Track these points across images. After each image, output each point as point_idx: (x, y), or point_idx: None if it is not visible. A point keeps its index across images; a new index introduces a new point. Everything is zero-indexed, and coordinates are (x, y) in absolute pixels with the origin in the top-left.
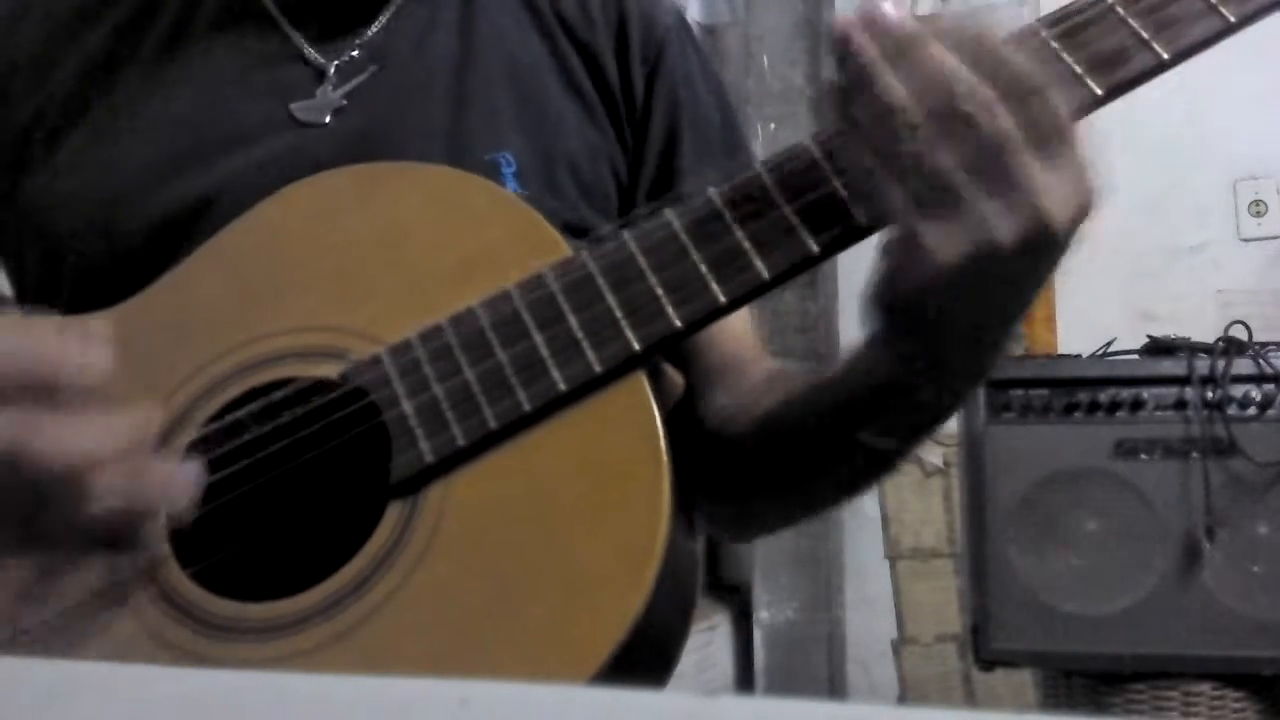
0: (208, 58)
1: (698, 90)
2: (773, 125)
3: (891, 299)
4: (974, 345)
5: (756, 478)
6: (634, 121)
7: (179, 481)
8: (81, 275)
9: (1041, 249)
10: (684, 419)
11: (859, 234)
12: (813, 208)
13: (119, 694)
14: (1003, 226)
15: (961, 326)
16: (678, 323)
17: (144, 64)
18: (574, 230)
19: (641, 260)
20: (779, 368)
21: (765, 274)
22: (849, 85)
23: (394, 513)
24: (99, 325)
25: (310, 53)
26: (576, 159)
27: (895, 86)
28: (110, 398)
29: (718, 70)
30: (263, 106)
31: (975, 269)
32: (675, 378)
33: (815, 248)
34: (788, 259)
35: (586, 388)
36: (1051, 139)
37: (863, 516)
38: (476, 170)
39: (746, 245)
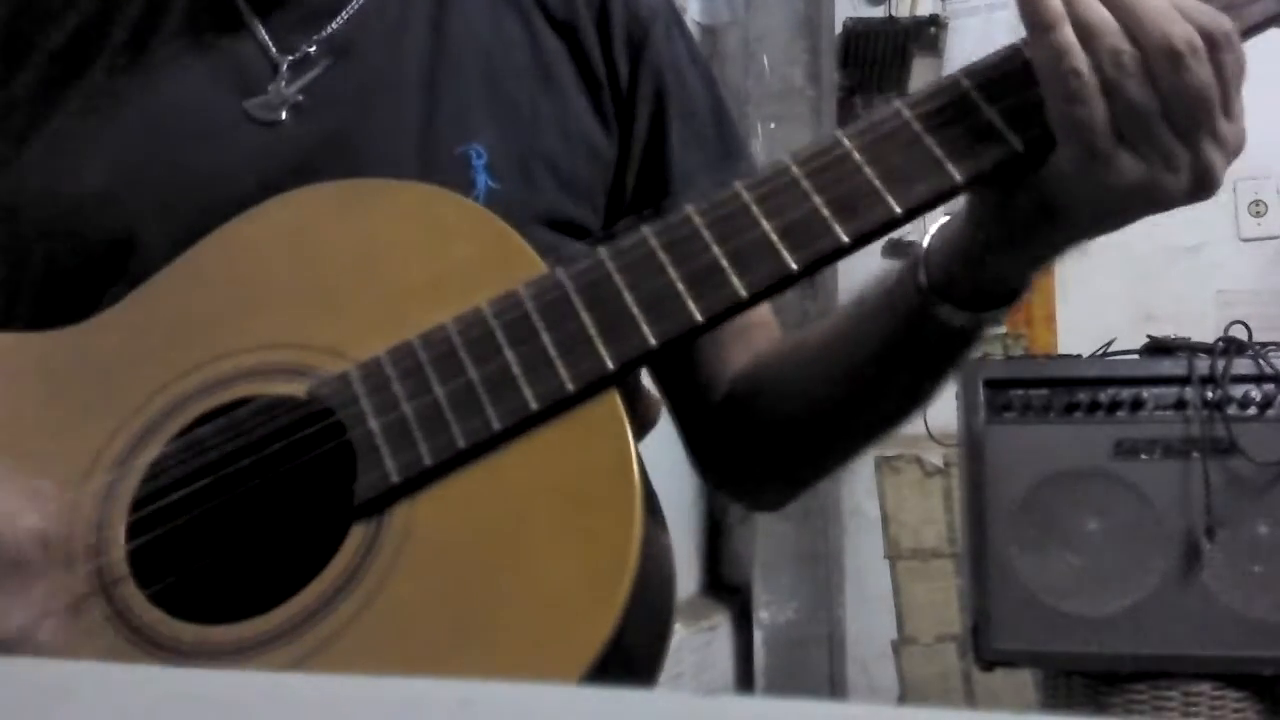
0: (173, 54)
1: (685, 76)
2: (773, 125)
3: (1047, 198)
4: (1046, 256)
5: (823, 404)
6: (619, 103)
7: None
8: (48, 276)
9: (1196, 195)
10: (705, 387)
11: (838, 254)
12: (793, 225)
13: (119, 694)
14: (1183, 171)
15: (1062, 238)
16: (653, 341)
17: (110, 61)
18: (552, 222)
19: (617, 278)
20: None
21: (743, 292)
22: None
23: (358, 534)
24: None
25: (269, 48)
26: (553, 150)
27: (1102, 12)
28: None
29: (703, 55)
30: (222, 104)
31: (1138, 199)
32: (653, 399)
33: (794, 266)
34: (767, 277)
35: (558, 406)
36: (1235, 90)
37: (863, 516)
38: (447, 163)
39: (724, 263)
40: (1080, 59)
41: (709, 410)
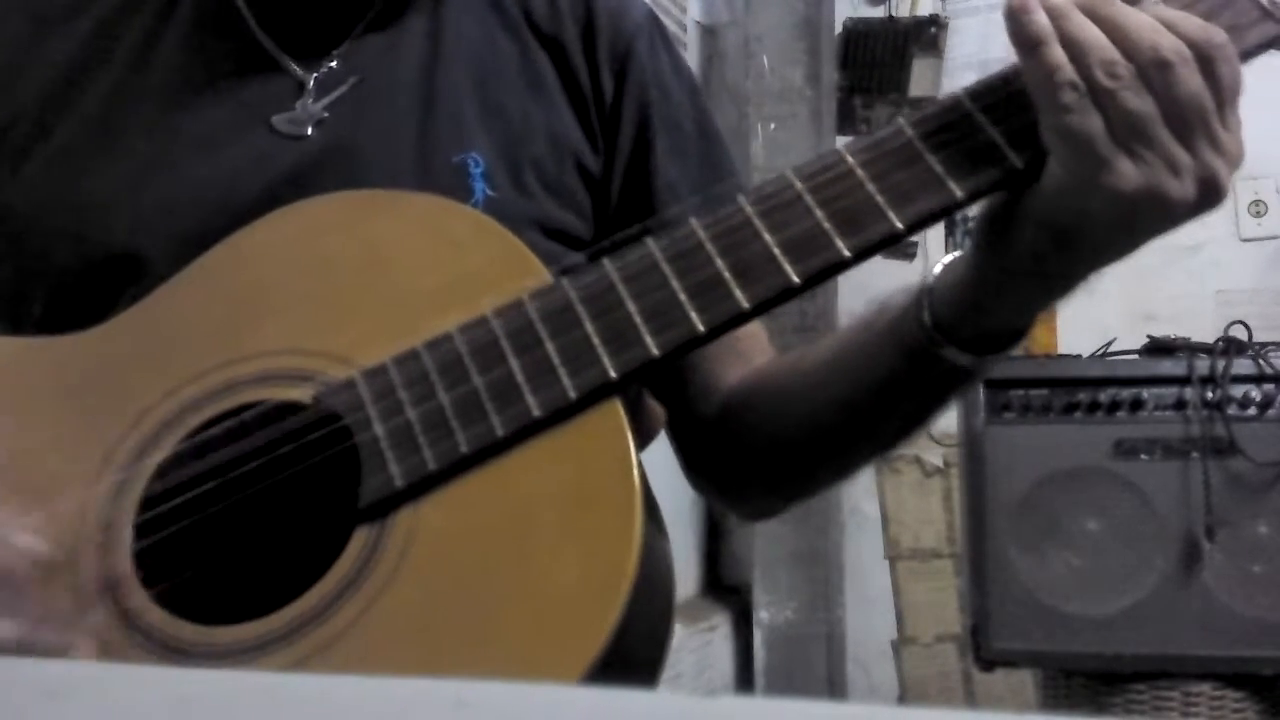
0: (180, 66)
1: (669, 89)
2: (773, 125)
3: (1053, 219)
4: (1053, 291)
5: (810, 426)
6: (603, 118)
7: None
8: (55, 284)
9: (1202, 204)
10: (696, 405)
11: (840, 267)
12: (795, 239)
13: (118, 694)
14: (1186, 176)
15: (1070, 265)
16: (655, 350)
17: (115, 72)
18: (544, 229)
19: (621, 288)
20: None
21: (745, 304)
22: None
23: (361, 537)
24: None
25: (288, 64)
26: (542, 159)
27: (1091, 29)
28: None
29: (689, 69)
30: (237, 115)
31: (1144, 208)
32: (656, 410)
33: (796, 279)
34: (769, 289)
35: (561, 414)
36: (1231, 102)
37: (862, 516)
38: (445, 172)
39: (727, 275)
40: (1072, 74)
41: (701, 423)
